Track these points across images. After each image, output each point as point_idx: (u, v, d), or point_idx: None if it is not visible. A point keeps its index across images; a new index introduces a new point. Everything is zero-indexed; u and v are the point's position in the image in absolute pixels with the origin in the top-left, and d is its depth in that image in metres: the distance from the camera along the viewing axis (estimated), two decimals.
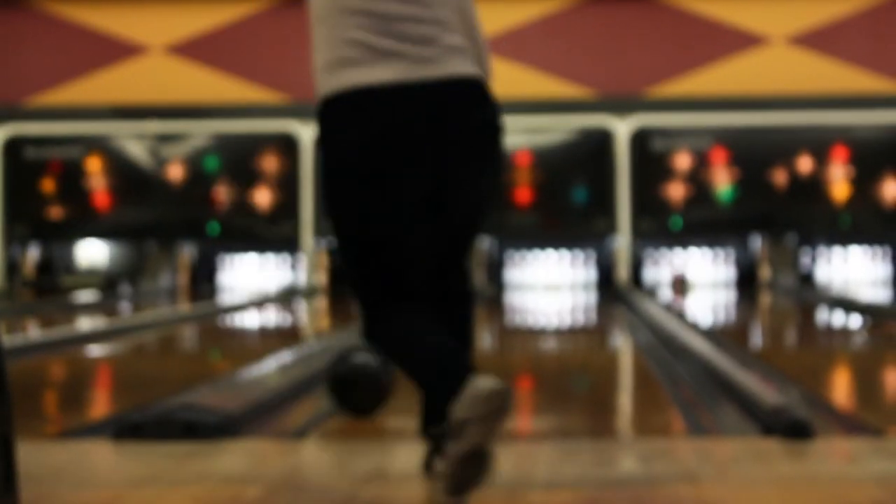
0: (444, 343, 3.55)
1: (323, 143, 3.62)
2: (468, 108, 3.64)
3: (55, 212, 16.28)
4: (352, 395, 3.94)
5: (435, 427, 3.60)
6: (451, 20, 3.67)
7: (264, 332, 11.42)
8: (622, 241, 15.92)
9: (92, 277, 16.51)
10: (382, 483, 3.64)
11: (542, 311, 13.09)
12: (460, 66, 3.64)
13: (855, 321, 11.14)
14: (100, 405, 6.46)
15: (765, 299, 14.67)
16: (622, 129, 15.94)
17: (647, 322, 10.15)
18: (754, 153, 15.85)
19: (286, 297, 14.81)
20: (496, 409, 3.33)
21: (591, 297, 14.83)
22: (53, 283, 16.42)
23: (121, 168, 16.27)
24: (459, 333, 3.74)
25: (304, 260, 16.08)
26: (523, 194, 15.94)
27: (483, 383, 3.35)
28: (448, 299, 3.76)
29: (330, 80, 3.60)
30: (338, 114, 3.58)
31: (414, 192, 3.59)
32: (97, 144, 16.30)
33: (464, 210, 3.69)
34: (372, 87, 3.55)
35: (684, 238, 16.11)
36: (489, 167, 3.71)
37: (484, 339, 9.91)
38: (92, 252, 16.71)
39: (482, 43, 3.76)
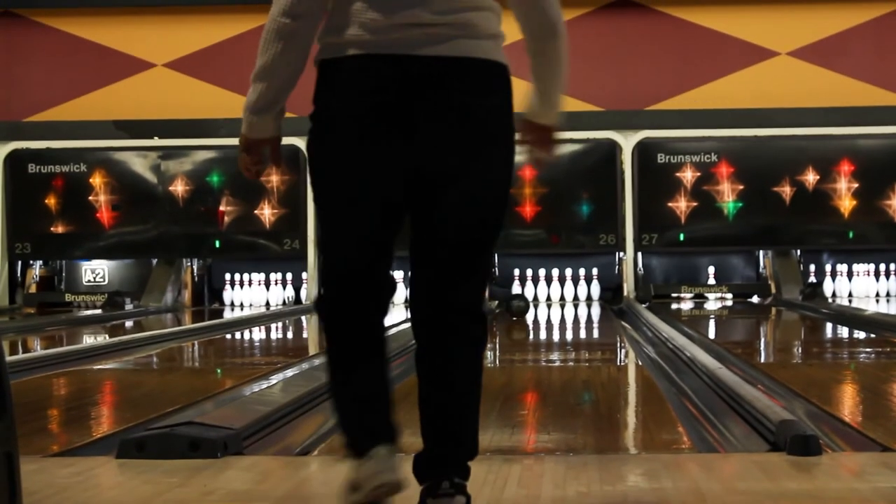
0: (378, 389, 3.39)
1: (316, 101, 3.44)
2: (475, 92, 3.43)
3: (58, 228, 16.27)
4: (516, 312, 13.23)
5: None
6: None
7: (269, 348, 11.40)
8: (627, 255, 15.90)
9: (95, 294, 16.49)
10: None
11: (547, 325, 13.07)
12: (472, 47, 3.45)
13: (861, 335, 11.11)
14: (103, 422, 6.44)
15: (770, 313, 14.65)
16: (627, 142, 15.93)
17: (653, 336, 10.12)
18: (759, 167, 15.84)
19: (291, 313, 14.79)
20: (381, 494, 3.31)
21: (596, 312, 14.81)
22: (56, 299, 16.41)
23: (124, 184, 16.27)
24: (446, 366, 3.37)
25: (308, 275, 16.07)
26: (527, 208, 15.92)
27: (385, 476, 3.30)
28: (443, 320, 3.36)
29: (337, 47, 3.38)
30: (336, 75, 3.37)
31: (392, 170, 3.30)
32: (100, 160, 16.30)
33: (463, 211, 3.34)
34: (376, 54, 3.31)
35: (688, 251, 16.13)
36: (498, 161, 3.44)
37: (488, 354, 9.89)
38: (95, 268, 16.70)
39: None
